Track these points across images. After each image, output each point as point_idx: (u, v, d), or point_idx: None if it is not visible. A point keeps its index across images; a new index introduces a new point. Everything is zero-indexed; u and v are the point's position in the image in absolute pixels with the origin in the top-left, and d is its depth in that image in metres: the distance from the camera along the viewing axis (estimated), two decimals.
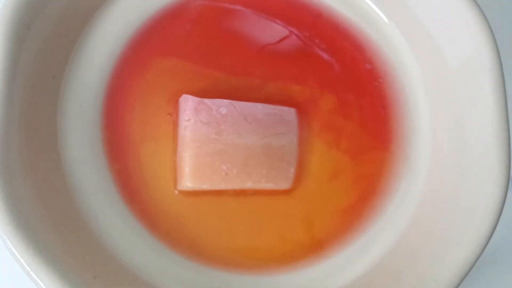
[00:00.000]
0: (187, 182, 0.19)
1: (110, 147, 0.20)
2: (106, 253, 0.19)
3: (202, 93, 0.20)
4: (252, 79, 0.21)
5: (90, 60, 0.20)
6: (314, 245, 0.20)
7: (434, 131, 0.20)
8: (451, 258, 0.18)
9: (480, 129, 0.18)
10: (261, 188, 0.20)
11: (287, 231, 0.20)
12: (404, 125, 0.21)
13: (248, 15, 0.21)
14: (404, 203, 0.20)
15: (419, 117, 0.21)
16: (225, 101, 0.20)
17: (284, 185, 0.20)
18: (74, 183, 0.19)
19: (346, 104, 0.21)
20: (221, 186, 0.19)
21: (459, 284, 0.17)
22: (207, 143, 0.19)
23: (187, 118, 0.19)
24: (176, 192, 0.20)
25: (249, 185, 0.20)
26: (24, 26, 0.18)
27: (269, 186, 0.20)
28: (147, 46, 0.21)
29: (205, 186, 0.19)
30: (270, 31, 0.21)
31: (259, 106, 0.20)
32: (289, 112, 0.20)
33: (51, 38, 0.19)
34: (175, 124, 0.20)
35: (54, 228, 0.18)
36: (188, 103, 0.19)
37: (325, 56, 0.21)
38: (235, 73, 0.21)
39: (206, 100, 0.20)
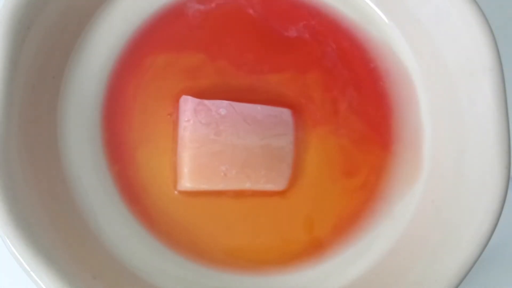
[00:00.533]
0: (186, 182, 0.19)
1: (110, 147, 0.20)
2: (106, 253, 0.19)
3: (202, 94, 0.20)
4: (252, 79, 0.21)
5: (90, 60, 0.20)
6: (314, 246, 0.20)
7: (434, 131, 0.20)
8: (451, 258, 0.18)
9: (480, 129, 0.18)
10: (260, 189, 0.20)
11: (287, 232, 0.20)
12: (404, 125, 0.21)
13: (248, 15, 0.21)
14: (404, 203, 0.20)
15: (419, 117, 0.21)
16: (225, 102, 0.20)
17: (284, 186, 0.20)
18: (74, 183, 0.19)
19: (345, 104, 0.21)
20: (220, 186, 0.19)
21: (459, 284, 0.17)
22: (206, 144, 0.19)
23: (186, 119, 0.19)
24: (176, 192, 0.20)
25: (248, 185, 0.20)
26: (24, 26, 0.18)
27: (268, 187, 0.20)
28: (147, 46, 0.21)
29: (204, 187, 0.19)
30: (270, 31, 0.21)
31: (258, 108, 0.20)
32: (288, 114, 0.20)
33: (51, 38, 0.19)
34: (175, 124, 0.20)
35: (54, 228, 0.18)
36: (187, 104, 0.19)
37: (325, 56, 0.21)
38: (235, 73, 0.21)
39: (206, 101, 0.20)
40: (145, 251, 0.20)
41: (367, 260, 0.20)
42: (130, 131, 0.20)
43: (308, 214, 0.20)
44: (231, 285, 0.20)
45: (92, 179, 0.20)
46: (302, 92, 0.21)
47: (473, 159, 0.18)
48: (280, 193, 0.20)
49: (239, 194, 0.20)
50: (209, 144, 0.19)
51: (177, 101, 0.20)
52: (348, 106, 0.21)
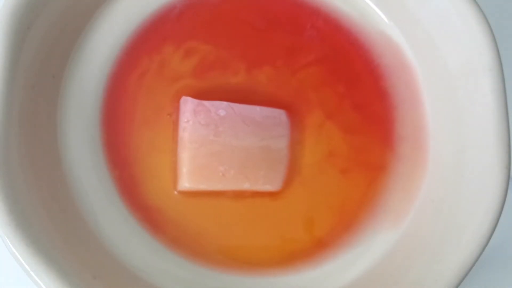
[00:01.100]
0: (185, 182, 0.19)
1: (110, 147, 0.20)
2: (106, 253, 0.19)
3: (202, 94, 0.20)
4: (252, 80, 0.21)
5: (90, 60, 0.20)
6: (314, 246, 0.20)
7: (434, 130, 0.20)
8: (451, 258, 0.18)
9: (480, 129, 0.18)
10: (258, 190, 0.20)
11: (287, 232, 0.20)
12: (404, 124, 0.21)
13: (248, 15, 0.21)
14: (404, 203, 0.20)
15: (419, 117, 0.21)
16: (224, 103, 0.20)
17: (282, 187, 0.20)
18: (74, 183, 0.19)
19: (345, 104, 0.21)
20: (219, 187, 0.20)
21: (459, 284, 0.17)
22: (205, 144, 0.19)
23: (186, 120, 0.19)
24: (175, 193, 0.20)
25: (246, 186, 0.20)
26: (24, 26, 0.18)
27: (267, 187, 0.20)
28: (147, 46, 0.21)
29: (203, 187, 0.19)
30: (270, 31, 0.21)
31: (257, 109, 0.20)
32: (285, 115, 0.20)
33: (51, 38, 0.19)
34: (175, 125, 0.20)
35: (54, 228, 0.18)
36: (187, 105, 0.20)
37: (325, 56, 0.21)
38: (236, 73, 0.21)
39: (205, 102, 0.20)
40: (145, 251, 0.20)
41: (367, 260, 0.20)
42: (130, 130, 0.20)
43: (307, 214, 0.20)
44: (230, 285, 0.20)
45: (92, 179, 0.20)
46: (302, 92, 0.21)
47: (473, 159, 0.18)
48: (279, 194, 0.20)
49: (238, 195, 0.20)
50: (208, 145, 0.19)
51: (176, 101, 0.20)
52: (349, 106, 0.21)
